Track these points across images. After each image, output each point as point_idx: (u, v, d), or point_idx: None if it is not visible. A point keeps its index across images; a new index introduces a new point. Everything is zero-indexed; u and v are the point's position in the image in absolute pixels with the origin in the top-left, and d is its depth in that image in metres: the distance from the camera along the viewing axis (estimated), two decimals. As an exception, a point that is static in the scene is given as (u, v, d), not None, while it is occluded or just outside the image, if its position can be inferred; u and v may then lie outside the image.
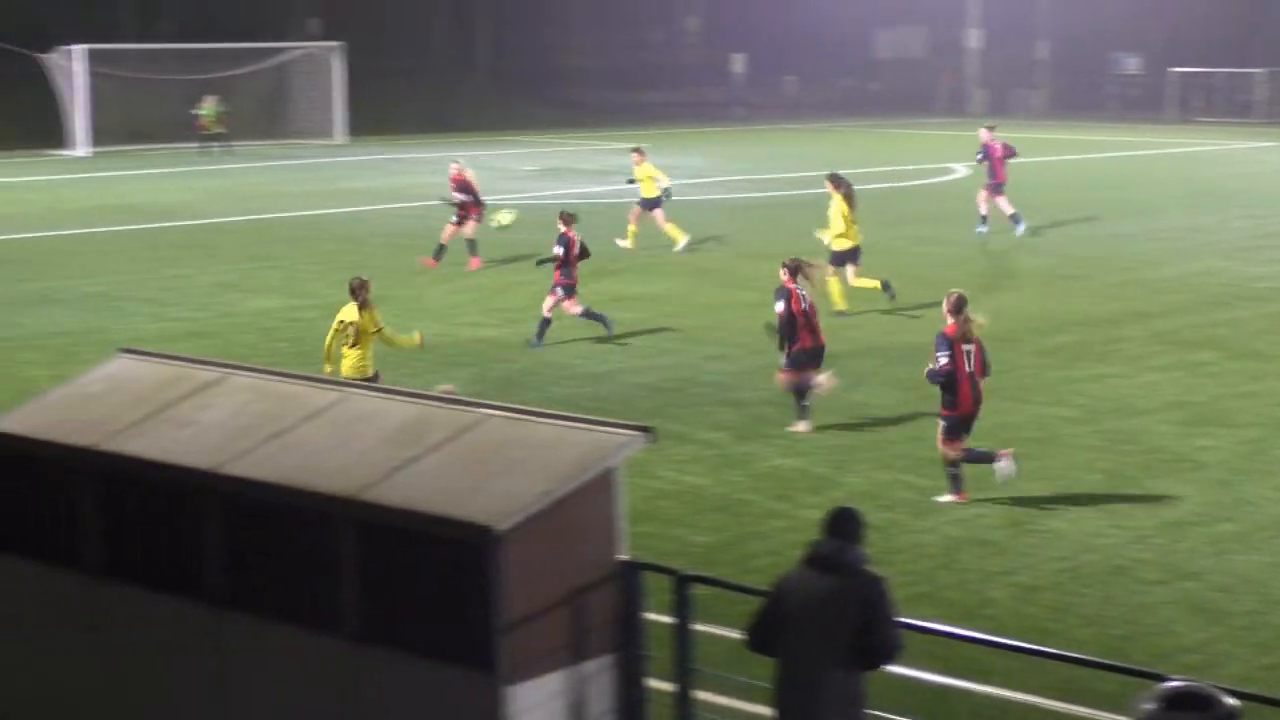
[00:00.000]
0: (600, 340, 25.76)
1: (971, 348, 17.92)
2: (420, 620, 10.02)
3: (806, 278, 21.06)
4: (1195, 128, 77.36)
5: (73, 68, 61.29)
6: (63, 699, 11.82)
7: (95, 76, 61.60)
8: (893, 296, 28.72)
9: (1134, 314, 28.42)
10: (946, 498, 17.86)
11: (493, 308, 29.11)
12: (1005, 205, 38.29)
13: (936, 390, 18.00)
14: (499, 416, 10.76)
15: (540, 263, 27.11)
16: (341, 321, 19.54)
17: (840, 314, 27.89)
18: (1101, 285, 31.49)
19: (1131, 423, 21.11)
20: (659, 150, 62.49)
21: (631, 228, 36.06)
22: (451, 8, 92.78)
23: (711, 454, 19.63)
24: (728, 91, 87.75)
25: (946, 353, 17.69)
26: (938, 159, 57.90)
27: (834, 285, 28.38)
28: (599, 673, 10.25)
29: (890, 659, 9.78)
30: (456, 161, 35.13)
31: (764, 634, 9.92)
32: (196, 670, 11.03)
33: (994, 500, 17.75)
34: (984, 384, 18.17)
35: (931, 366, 17.86)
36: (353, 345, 19.45)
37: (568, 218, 26.11)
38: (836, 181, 29.76)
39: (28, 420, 12.04)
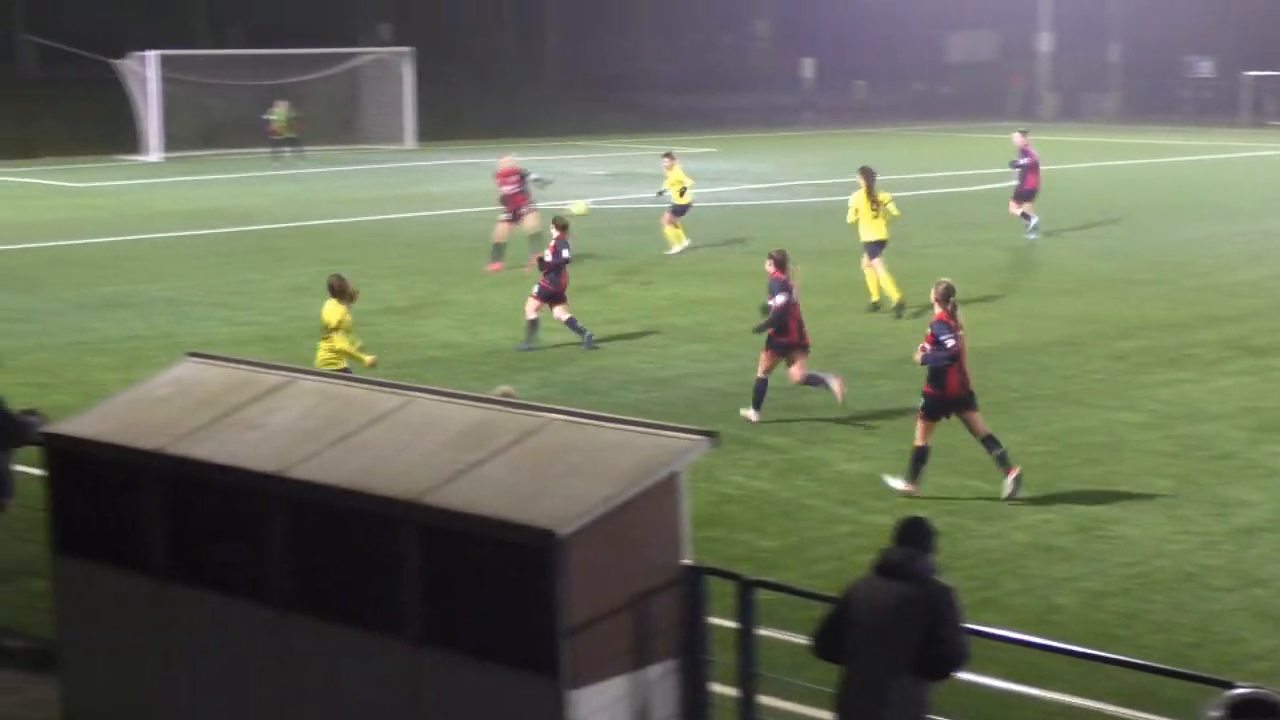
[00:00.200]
0: (666, 345, 25.74)
1: (960, 334, 18.18)
2: (483, 624, 10.04)
3: (791, 272, 21.53)
4: (1269, 131, 76.71)
5: (145, 74, 61.69)
6: (131, 701, 11.90)
7: (167, 82, 61.98)
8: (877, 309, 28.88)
9: (1206, 319, 28.22)
10: (897, 483, 18.09)
11: (560, 312, 29.09)
12: (1014, 208, 38.37)
13: (1005, 397, 17.97)
14: (562, 420, 10.77)
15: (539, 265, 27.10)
16: (337, 321, 19.85)
17: (899, 308, 28.16)
18: (1174, 290, 31.28)
19: (1202, 428, 20.96)
20: (727, 155, 62.56)
21: (667, 231, 36.37)
22: (521, 12, 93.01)
23: (777, 458, 19.60)
24: (797, 96, 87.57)
25: (952, 335, 17.96)
26: (1008, 163, 57.54)
27: (887, 281, 28.90)
28: (662, 677, 10.24)
29: (957, 668, 9.75)
30: (509, 155, 35.16)
31: (831, 640, 9.90)
32: (261, 672, 11.08)
33: (1062, 506, 17.66)
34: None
35: (930, 351, 18.04)
36: (325, 338, 19.86)
37: (560, 224, 26.22)
38: (867, 175, 30.39)
39: (96, 424, 12.13)
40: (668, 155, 37.46)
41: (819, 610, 10.26)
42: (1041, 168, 38.36)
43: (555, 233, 26.05)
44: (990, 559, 16.04)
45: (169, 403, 12.09)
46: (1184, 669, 10.91)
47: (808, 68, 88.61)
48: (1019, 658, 12.47)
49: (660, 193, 37.57)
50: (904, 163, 55.24)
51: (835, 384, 21.38)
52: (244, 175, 55.68)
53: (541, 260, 26.14)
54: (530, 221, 33.75)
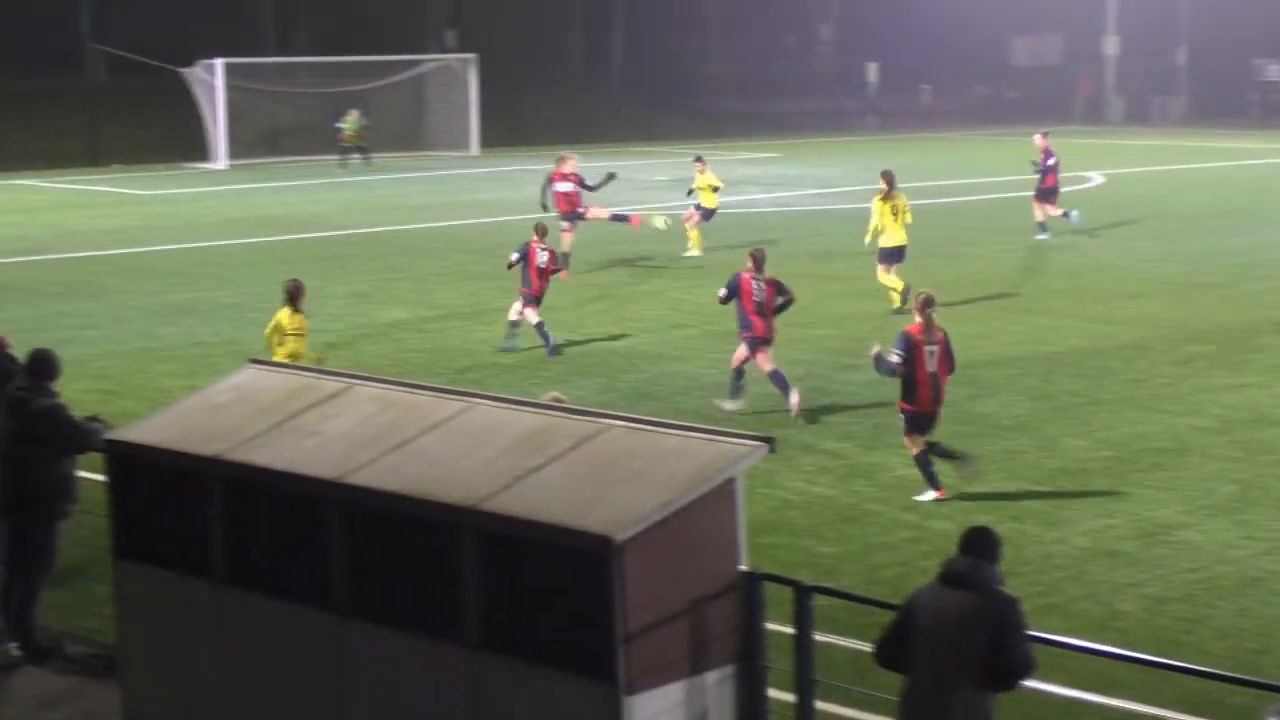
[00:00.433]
0: (728, 351, 25.69)
1: (935, 348, 18.11)
2: (541, 629, 10.05)
3: (762, 269, 22.01)
4: (1338, 133, 76.15)
5: (212, 81, 62.03)
6: (191, 706, 11.96)
7: (234, 89, 62.30)
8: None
9: (1273, 323, 28.00)
10: (927, 495, 18.04)
11: (623, 317, 29.14)
12: (1038, 212, 38.56)
13: (1070, 402, 17.91)
14: (620, 426, 10.76)
15: (510, 266, 27.10)
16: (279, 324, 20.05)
17: (902, 302, 28.44)
18: (1240, 294, 31.06)
19: (1268, 433, 20.80)
20: (790, 160, 62.48)
21: (691, 233, 36.70)
22: (585, 18, 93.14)
23: (839, 464, 19.55)
24: (861, 100, 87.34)
25: (901, 353, 17.98)
26: (1074, 167, 57.30)
27: (890, 281, 29.20)
28: (720, 683, 10.23)
29: (1021, 679, 9.71)
30: (571, 156, 35.25)
31: (894, 649, 9.86)
32: (321, 677, 11.11)
33: (1126, 511, 17.56)
34: (947, 382, 18.39)
35: (880, 356, 18.25)
36: (280, 344, 19.92)
37: (540, 230, 26.58)
38: (890, 180, 30.53)
39: (157, 430, 12.20)
40: (698, 159, 37.75)
41: (878, 617, 10.23)
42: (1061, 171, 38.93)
43: (535, 237, 26.33)
44: (1053, 564, 15.96)
45: (229, 409, 12.14)
46: (1248, 675, 10.83)
47: (872, 72, 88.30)
48: (1082, 665, 12.41)
49: (690, 192, 37.90)
50: (968, 167, 55.09)
51: (794, 398, 21.70)
52: (308, 182, 55.92)
53: (511, 262, 26.51)
54: (600, 213, 34.04)
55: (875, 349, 18.54)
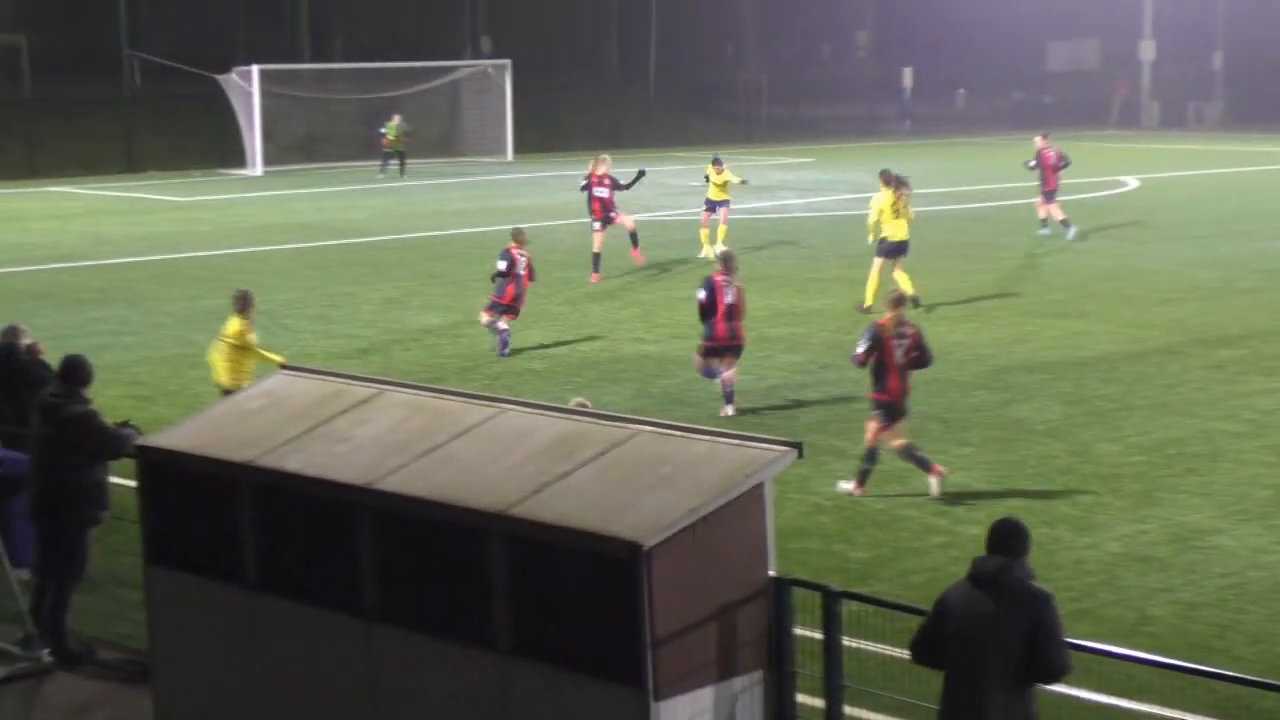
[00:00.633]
0: (762, 356, 25.70)
1: (906, 341, 18.30)
2: (570, 635, 10.06)
3: (733, 271, 22.19)
4: (1375, 137, 75.82)
5: (249, 87, 62.22)
6: (223, 712, 12.00)
7: (270, 96, 62.49)
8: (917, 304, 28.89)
9: (1308, 328, 27.93)
10: (847, 486, 18.40)
11: (656, 323, 29.15)
12: (1057, 212, 39.23)
13: (1103, 407, 17.89)
14: (649, 431, 10.78)
15: (494, 278, 27.19)
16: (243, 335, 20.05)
17: (914, 302, 28.25)
18: (1275, 298, 30.95)
19: (1302, 438, 20.74)
20: (824, 165, 62.42)
21: (706, 232, 37.14)
22: (621, 24, 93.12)
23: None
24: (897, 105, 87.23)
25: (866, 345, 18.25)
26: (1109, 172, 57.22)
27: (902, 277, 29.03)
28: (749, 688, 10.24)
29: (1059, 678, 9.68)
30: (606, 159, 35.43)
31: (930, 650, 9.83)
32: (351, 683, 11.15)
33: (1158, 516, 17.51)
34: (913, 377, 18.57)
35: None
36: (229, 356, 20.01)
37: (517, 236, 26.92)
38: (887, 178, 30.49)
39: (188, 436, 12.25)
40: (715, 160, 38.21)
41: (908, 622, 10.22)
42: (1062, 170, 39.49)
43: (514, 244, 26.74)
44: (1085, 570, 15.92)
45: (260, 415, 12.19)
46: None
47: (907, 77, 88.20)
48: (1113, 670, 12.34)
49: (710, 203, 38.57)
50: (1003, 172, 54.91)
51: (728, 409, 22.14)
52: (344, 188, 56.06)
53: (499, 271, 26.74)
54: (626, 221, 34.15)
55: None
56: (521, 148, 67.77)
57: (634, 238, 34.56)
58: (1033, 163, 39.53)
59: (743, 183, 39.33)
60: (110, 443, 14.22)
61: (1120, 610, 14.83)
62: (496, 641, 10.33)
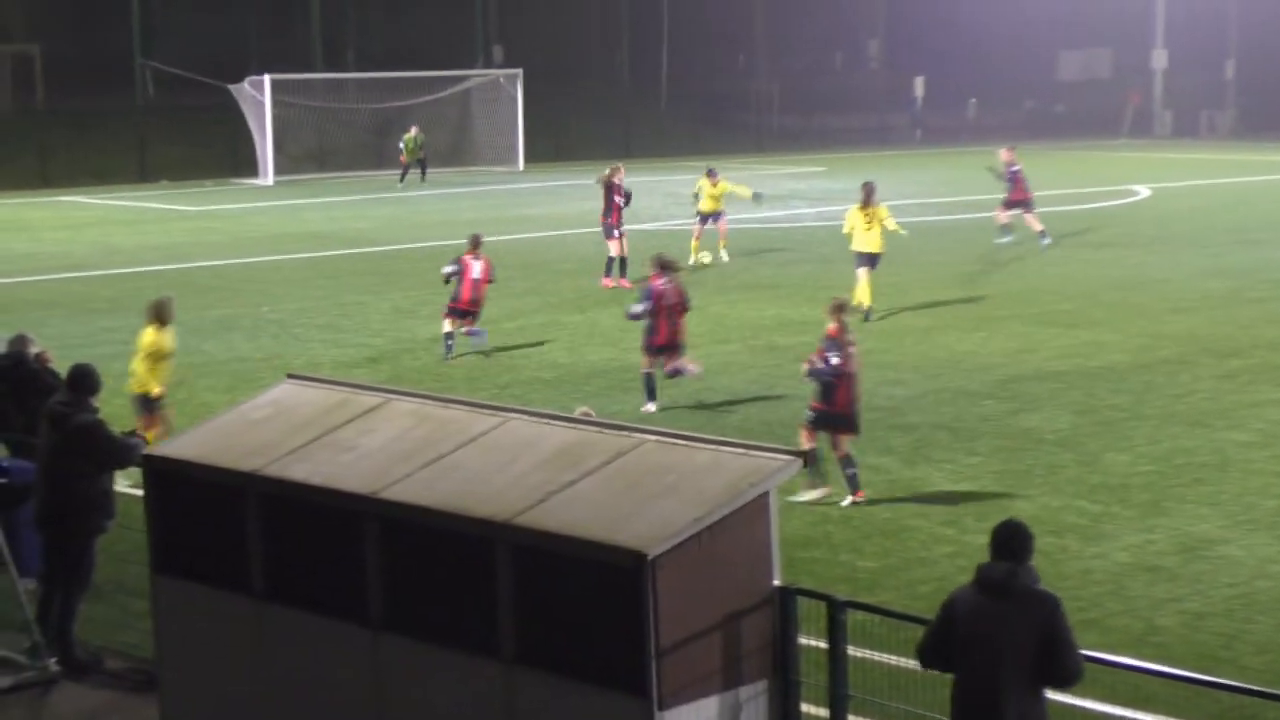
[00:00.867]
0: (772, 365, 25.70)
1: (851, 350, 18.37)
2: (575, 644, 10.07)
3: (674, 274, 22.62)
4: (1388, 147, 75.70)
5: (260, 98, 62.31)
6: (230, 719, 12.01)
7: (281, 106, 62.60)
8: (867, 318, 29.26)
9: (1318, 338, 27.88)
10: (810, 495, 18.34)
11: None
12: (1034, 222, 39.54)
13: (1112, 417, 17.85)
14: (654, 441, 10.79)
15: (445, 281, 27.39)
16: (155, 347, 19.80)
17: (866, 313, 28.92)
18: (1285, 308, 30.94)
19: (1312, 448, 20.71)
20: (835, 175, 62.38)
21: (696, 243, 37.55)
22: (632, 33, 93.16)
23: (880, 478, 19.50)
24: (908, 115, 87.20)
25: (838, 352, 18.21)
26: (1121, 181, 57.21)
27: (863, 288, 29.73)
28: (753, 698, 10.24)
29: (1074, 683, 9.68)
30: (621, 168, 35.61)
31: (938, 654, 9.84)
32: (357, 691, 11.15)
33: (1166, 526, 17.49)
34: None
35: (816, 365, 18.34)
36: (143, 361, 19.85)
37: (474, 241, 27.35)
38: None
39: (194, 445, 12.27)
40: (710, 171, 38.55)
41: (914, 632, 10.20)
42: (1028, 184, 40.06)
43: (468, 250, 27.13)
44: (1093, 580, 15.90)
45: (267, 424, 12.20)
46: (1286, 692, 10.77)
47: (919, 86, 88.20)
48: (1120, 679, 12.33)
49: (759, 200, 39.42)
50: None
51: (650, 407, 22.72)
52: (355, 198, 56.13)
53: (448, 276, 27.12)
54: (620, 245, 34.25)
55: (806, 365, 18.59)
56: (533, 157, 67.82)
57: (622, 265, 34.40)
58: (1015, 170, 39.73)
59: (755, 197, 39.41)
60: (117, 452, 14.24)
61: (1128, 620, 14.81)
62: (502, 650, 10.34)
